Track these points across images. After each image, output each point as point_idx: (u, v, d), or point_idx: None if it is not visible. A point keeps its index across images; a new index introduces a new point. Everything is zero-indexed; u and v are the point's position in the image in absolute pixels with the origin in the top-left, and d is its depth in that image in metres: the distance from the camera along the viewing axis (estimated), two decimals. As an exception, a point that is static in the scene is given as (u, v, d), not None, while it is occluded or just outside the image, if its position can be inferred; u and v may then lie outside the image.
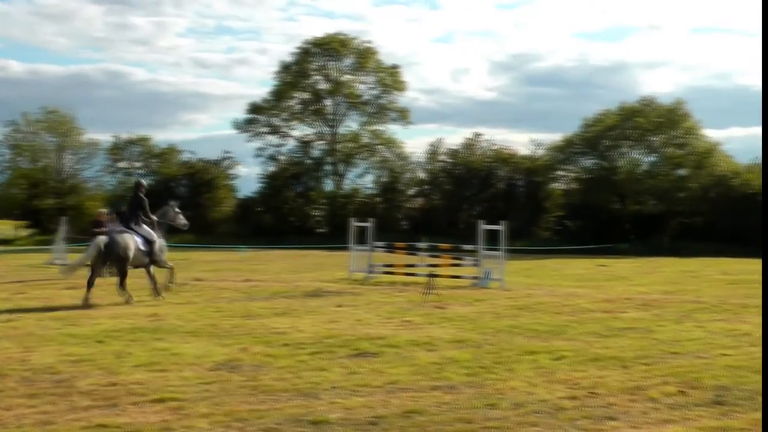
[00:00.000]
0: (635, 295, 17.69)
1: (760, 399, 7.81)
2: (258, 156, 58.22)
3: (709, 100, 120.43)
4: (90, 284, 15.22)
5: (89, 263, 15.69)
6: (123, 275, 15.78)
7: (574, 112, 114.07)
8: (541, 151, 54.93)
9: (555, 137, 62.16)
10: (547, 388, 8.24)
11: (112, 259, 15.88)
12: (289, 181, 56.26)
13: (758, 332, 12.13)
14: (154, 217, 16.99)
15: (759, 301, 16.31)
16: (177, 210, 17.82)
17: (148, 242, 16.41)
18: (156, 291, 16.26)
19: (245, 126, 58.24)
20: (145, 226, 16.61)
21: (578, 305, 15.51)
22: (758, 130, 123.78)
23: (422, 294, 16.78)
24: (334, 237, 45.10)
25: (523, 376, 8.84)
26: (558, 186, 54.92)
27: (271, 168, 57.44)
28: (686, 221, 50.90)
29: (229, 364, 9.34)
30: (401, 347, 10.53)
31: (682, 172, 51.42)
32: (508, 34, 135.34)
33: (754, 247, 43.59)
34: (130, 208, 16.81)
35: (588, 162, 53.09)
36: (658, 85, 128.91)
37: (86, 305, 14.71)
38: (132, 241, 15.99)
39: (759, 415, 7.20)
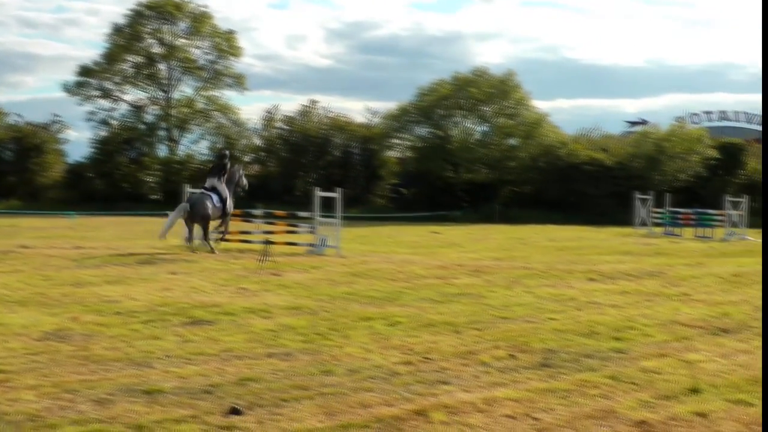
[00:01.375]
0: (467, 262, 18.11)
1: (585, 361, 8.17)
2: (89, 120, 56.24)
3: (538, 72, 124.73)
4: (190, 239, 19.40)
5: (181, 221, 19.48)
6: (206, 229, 19.52)
7: (409, 81, 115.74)
8: (376, 120, 55.44)
9: (390, 106, 62.84)
10: (382, 354, 8.32)
11: (197, 217, 19.45)
12: (122, 147, 54.62)
13: (583, 298, 12.69)
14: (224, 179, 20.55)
15: (583, 267, 17.08)
16: (242, 173, 21.60)
17: (222, 200, 20.14)
18: (219, 239, 20.22)
19: (75, 89, 56.00)
20: (222, 185, 20.33)
21: (412, 272, 15.74)
22: (584, 102, 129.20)
23: (258, 261, 16.62)
24: (168, 204, 44.01)
25: (358, 342, 8.90)
26: (393, 154, 55.59)
27: (103, 133, 55.64)
28: (516, 189, 52.63)
29: (58, 333, 8.96)
30: (237, 315, 10.40)
31: (512, 141, 53.05)
32: (344, 2, 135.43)
33: (578, 214, 45.67)
34: (211, 172, 20.78)
35: (422, 131, 53.95)
36: (490, 56, 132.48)
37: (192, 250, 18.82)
38: (209, 201, 19.77)
39: (584, 375, 7.53)
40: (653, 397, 6.85)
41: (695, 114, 65.60)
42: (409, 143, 54.62)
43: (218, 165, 20.99)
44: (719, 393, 6.95)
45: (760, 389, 7.05)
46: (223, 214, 20.37)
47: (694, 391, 7.02)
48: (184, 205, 19.65)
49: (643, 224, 34.68)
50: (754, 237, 30.40)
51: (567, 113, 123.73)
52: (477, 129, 54.21)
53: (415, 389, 7.01)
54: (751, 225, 33.50)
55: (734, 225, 31.33)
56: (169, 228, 19.50)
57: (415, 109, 53.16)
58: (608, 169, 49.09)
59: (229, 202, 20.47)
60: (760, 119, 65.12)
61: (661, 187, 44.24)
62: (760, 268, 17.33)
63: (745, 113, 66.31)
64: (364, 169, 53.65)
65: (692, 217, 33.01)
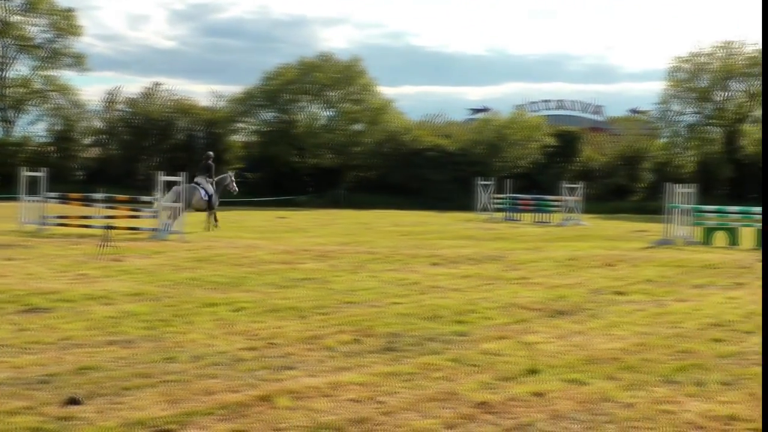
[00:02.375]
0: (313, 247, 18.12)
1: (428, 344, 8.32)
2: None
3: (384, 59, 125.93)
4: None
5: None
6: (180, 213, 21.43)
7: (254, 65, 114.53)
8: (221, 103, 54.50)
9: (236, 89, 61.94)
10: (226, 340, 8.22)
11: (183, 202, 21.73)
12: (-50, 126, 51.50)
13: (427, 282, 12.92)
14: (215, 179, 24.64)
15: (426, 251, 17.38)
16: (232, 178, 25.65)
17: (208, 195, 23.98)
18: (209, 227, 23.33)
19: None
20: (209, 184, 24.22)
21: (258, 257, 15.63)
22: (428, 89, 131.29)
23: (98, 246, 16.08)
24: (2, 187, 41.96)
25: (202, 328, 8.76)
26: (238, 138, 54.87)
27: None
28: (362, 174, 52.95)
29: None
30: (76, 302, 10.03)
31: (357, 127, 53.31)
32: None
33: (421, 199, 46.44)
34: (199, 170, 24.60)
35: (268, 115, 53.48)
36: (337, 41, 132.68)
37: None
38: (197, 193, 23.75)
39: (427, 359, 7.67)
40: (494, 378, 7.05)
41: (534, 102, 67.72)
42: (254, 127, 54.05)
43: (204, 165, 24.74)
44: (556, 373, 7.22)
45: (594, 368, 7.38)
46: (208, 208, 24.01)
47: (533, 371, 7.26)
48: (176, 189, 22.21)
49: (485, 209, 35.61)
50: (589, 222, 31.78)
51: (412, 99, 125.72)
52: (323, 114, 54.22)
53: (260, 375, 6.96)
54: (587, 211, 35.00)
55: (570, 211, 32.58)
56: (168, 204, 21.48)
57: (261, 93, 52.62)
58: (451, 155, 50.07)
59: (215, 199, 24.35)
60: (594, 108, 67.98)
61: (501, 173, 45.50)
62: (594, 252, 18.16)
63: (581, 102, 69.01)
64: (208, 153, 52.70)
65: (531, 202, 34.12)
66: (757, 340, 8.66)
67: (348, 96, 53.01)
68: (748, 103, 51.64)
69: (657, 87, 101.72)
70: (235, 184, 25.74)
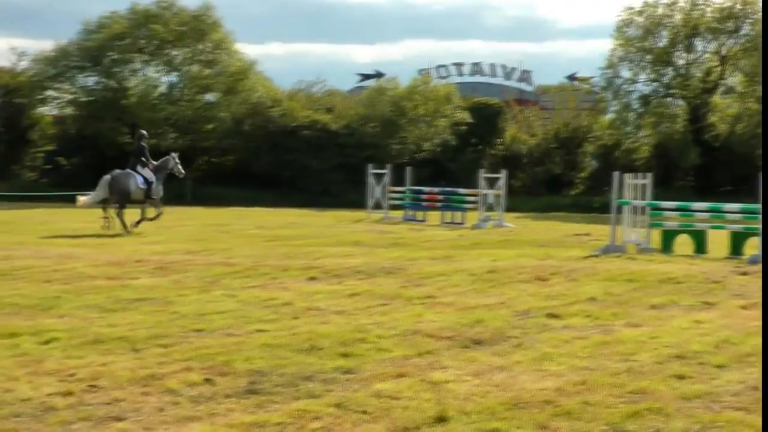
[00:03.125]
0: (149, 257, 17.90)
1: (303, 384, 8.31)
2: None
3: (244, 7, 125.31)
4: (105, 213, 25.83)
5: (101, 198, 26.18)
6: (122, 207, 25.76)
7: (70, 13, 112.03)
8: (24, 64, 53.33)
9: (44, 45, 60.70)
10: (32, 383, 8.07)
11: (116, 194, 25.88)
12: None
13: (302, 302, 12.90)
14: (154, 163, 27.29)
15: (301, 262, 17.36)
16: (177, 161, 27.94)
17: (147, 182, 26.49)
18: (135, 225, 25.81)
19: None
20: (146, 169, 26.71)
21: (75, 270, 15.38)
22: (303, 47, 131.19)
23: None
24: None
25: (-3, 368, 8.58)
26: (48, 111, 53.77)
27: None
28: (215, 161, 52.57)
29: None
30: None
31: (209, 97, 52.91)
32: None
33: (295, 193, 46.38)
34: (134, 154, 27.26)
35: (89, 80, 52.62)
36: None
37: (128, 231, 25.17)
38: (133, 180, 26.27)
39: (299, 404, 7.65)
40: (390, 429, 7.08)
41: (443, 66, 68.43)
42: (70, 97, 53.05)
43: (137, 147, 27.36)
44: (470, 421, 7.29)
45: (520, 415, 7.49)
46: (147, 197, 26.69)
47: (440, 420, 7.31)
48: (106, 179, 26.02)
49: (378, 206, 35.75)
50: (514, 223, 32.26)
51: (281, 61, 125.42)
52: (162, 80, 53.63)
53: (77, 429, 6.86)
54: (511, 208, 35.50)
55: (490, 208, 32.94)
56: (92, 201, 26.72)
57: (79, 50, 51.69)
58: (334, 134, 50.16)
59: (156, 187, 26.84)
60: (521, 74, 69.09)
61: (400, 159, 45.82)
62: (520, 262, 18.43)
63: (503, 66, 69.97)
64: (6, 132, 51.47)
65: (439, 197, 34.40)
66: (732, 376, 8.94)
67: (196, 56, 52.57)
68: (719, 68, 53.27)
69: (601, 47, 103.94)
70: (180, 167, 28.34)
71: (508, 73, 69.54)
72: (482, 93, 59.49)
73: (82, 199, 27.01)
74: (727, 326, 11.64)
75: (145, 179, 26.51)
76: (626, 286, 15.42)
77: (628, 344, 10.42)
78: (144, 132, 28.73)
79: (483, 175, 33.88)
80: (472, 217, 32.21)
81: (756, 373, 9.03)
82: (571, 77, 64.97)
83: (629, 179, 22.94)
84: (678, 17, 53.03)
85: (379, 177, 36.41)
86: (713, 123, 53.11)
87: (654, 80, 54.43)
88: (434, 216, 33.34)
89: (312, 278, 15.43)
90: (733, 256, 20.78)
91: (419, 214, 34.07)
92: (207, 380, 8.36)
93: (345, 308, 12.50)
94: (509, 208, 34.65)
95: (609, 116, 55.98)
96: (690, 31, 52.80)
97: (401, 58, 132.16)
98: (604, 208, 24.14)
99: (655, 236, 22.55)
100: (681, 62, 53.95)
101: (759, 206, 20.85)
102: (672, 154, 51.19)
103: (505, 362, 9.44)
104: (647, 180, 22.96)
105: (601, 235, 24.48)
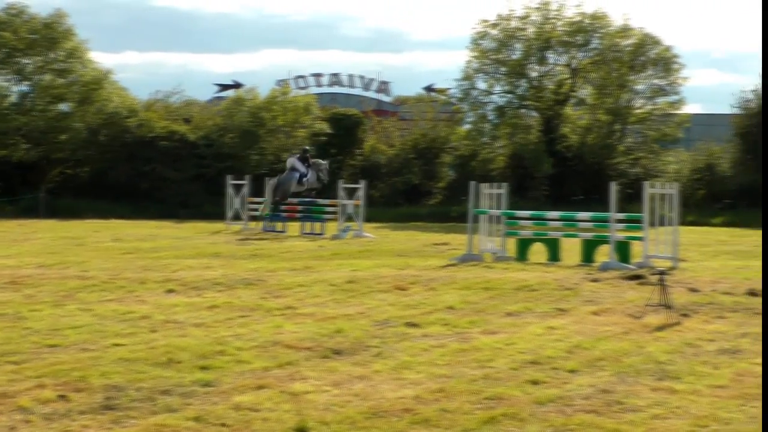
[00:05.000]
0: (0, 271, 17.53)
1: (161, 399, 8.22)
2: None
3: (99, 15, 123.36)
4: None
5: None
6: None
7: None
8: None
9: None
10: None
11: (280, 193, 33.77)
12: None
13: (160, 315, 12.77)
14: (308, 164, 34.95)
15: (159, 275, 17.17)
16: (327, 167, 35.98)
17: (303, 177, 34.33)
18: None
19: None
20: (302, 166, 34.38)
21: None
22: (160, 56, 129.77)
23: None
24: None
25: None
26: None
27: None
28: (69, 172, 51.55)
29: None
30: None
31: (63, 107, 51.86)
32: None
33: (153, 204, 45.82)
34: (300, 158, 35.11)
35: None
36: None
37: None
38: (293, 178, 34.14)
39: (157, 419, 7.58)
40: (249, 441, 7.07)
41: (301, 76, 68.47)
42: None
43: (302, 157, 35.36)
44: (330, 431, 7.33)
45: (380, 424, 7.54)
46: (300, 185, 34.59)
47: (300, 430, 7.34)
48: (272, 182, 33.58)
49: (237, 218, 35.58)
50: (374, 233, 32.44)
51: (138, 71, 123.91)
52: (13, 89, 52.38)
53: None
54: (371, 218, 35.69)
55: (349, 218, 33.09)
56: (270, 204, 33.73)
57: None
58: (192, 145, 49.68)
59: (310, 179, 35.04)
60: (379, 85, 69.55)
61: (260, 169, 45.62)
62: (380, 272, 18.56)
63: (362, 77, 70.37)
64: None
65: (298, 208, 34.40)
66: (584, 380, 9.15)
67: (48, 65, 51.45)
68: (570, 81, 54.47)
69: (457, 59, 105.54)
70: (326, 174, 36.06)
71: (366, 84, 69.90)
72: (341, 104, 59.70)
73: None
74: (579, 332, 11.92)
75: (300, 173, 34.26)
76: (483, 294, 15.68)
77: (484, 351, 10.58)
78: (308, 148, 34.85)
79: (342, 185, 34.01)
80: (332, 227, 32.29)
81: (605, 377, 9.27)
82: (429, 88, 65.62)
83: (486, 189, 23.31)
84: (531, 30, 54.02)
85: (238, 188, 36.24)
86: (565, 134, 54.26)
87: (509, 92, 55.29)
88: (294, 227, 33.32)
89: (170, 291, 15.30)
90: (584, 264, 21.28)
91: (279, 225, 34.00)
92: (61, 397, 8.21)
93: (204, 321, 12.43)
94: (369, 219, 34.82)
95: (465, 127, 56.64)
96: (542, 44, 53.81)
97: (260, 68, 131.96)
98: (462, 218, 24.52)
99: (511, 245, 22.94)
100: (534, 74, 54.93)
101: (609, 214, 21.42)
102: (527, 164, 52.09)
103: (365, 372, 9.50)
104: (503, 190, 23.35)
105: (458, 244, 24.81)
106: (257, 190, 36.41)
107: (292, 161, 35.21)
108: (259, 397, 8.35)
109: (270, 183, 34.38)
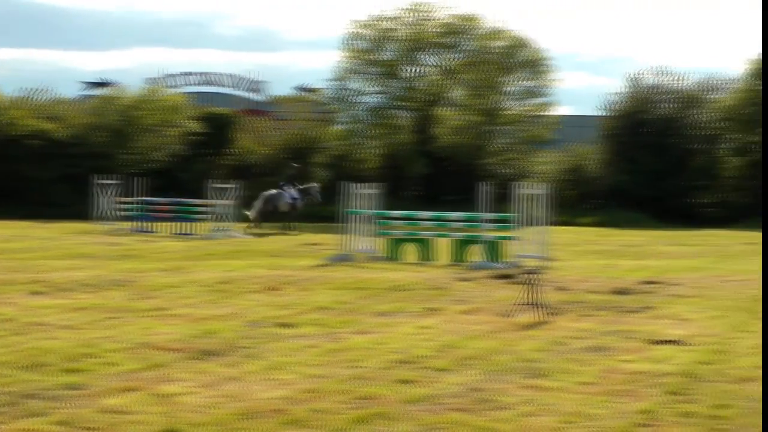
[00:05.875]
0: None
1: (27, 403, 8.08)
2: None
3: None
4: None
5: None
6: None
7: None
8: None
9: None
10: None
11: (270, 205, 35.60)
12: None
13: (27, 317, 12.53)
14: (300, 188, 37.15)
15: (26, 276, 16.86)
16: (318, 190, 37.98)
17: (293, 199, 36.29)
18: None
19: None
20: (293, 190, 36.35)
21: None
22: (26, 53, 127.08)
23: None
24: None
25: None
26: None
27: None
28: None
29: None
30: None
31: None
32: None
33: (19, 204, 44.85)
34: (286, 179, 37.05)
35: None
36: None
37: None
38: (284, 198, 35.85)
39: (25, 423, 7.47)
40: (118, 444, 7.00)
41: (173, 75, 67.63)
42: None
43: (289, 176, 37.37)
44: (201, 433, 7.31)
45: (251, 425, 7.54)
46: (293, 209, 36.20)
47: (170, 432, 7.30)
48: (264, 195, 34.93)
49: (106, 218, 35.06)
50: (246, 233, 32.31)
51: (5, 68, 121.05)
52: None
53: None
54: (247, 218, 35.52)
55: (221, 218, 32.90)
56: (257, 212, 35.26)
57: None
58: (60, 144, 48.76)
59: (299, 204, 36.65)
60: (252, 85, 69.20)
61: (130, 169, 45.02)
62: (252, 272, 18.52)
63: (235, 76, 69.91)
64: None
65: (169, 208, 34.06)
66: (454, 379, 9.27)
67: None
68: (443, 82, 54.97)
69: (331, 58, 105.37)
70: (318, 195, 37.99)
71: (239, 83, 69.41)
72: (214, 103, 59.15)
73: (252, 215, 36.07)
74: (449, 331, 12.07)
75: (293, 197, 36.42)
76: (356, 294, 15.76)
77: (356, 351, 10.64)
78: (295, 164, 37.92)
79: (214, 185, 33.80)
80: (204, 227, 32.08)
81: (475, 375, 9.40)
82: (302, 88, 65.51)
83: (359, 189, 23.40)
84: (403, 31, 54.38)
85: (107, 188, 35.72)
86: (438, 134, 54.75)
87: (382, 92, 55.57)
88: (165, 227, 33.01)
89: (37, 292, 15.03)
90: (456, 263, 21.53)
91: (150, 226, 33.65)
92: None
93: (72, 322, 12.25)
94: (241, 219, 34.68)
95: (339, 127, 56.81)
96: (415, 45, 54.22)
97: (130, 66, 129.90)
98: (335, 218, 24.62)
99: (384, 245, 23.08)
100: (407, 75, 55.33)
101: (480, 215, 21.72)
102: (400, 165, 52.46)
103: (237, 373, 9.48)
104: (376, 190, 23.49)
105: (331, 245, 24.83)
106: (128, 190, 35.94)
107: (276, 193, 36.72)
108: (129, 399, 8.27)
109: (262, 194, 36.21)
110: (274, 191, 36.45)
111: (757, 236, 35.26)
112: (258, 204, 36.02)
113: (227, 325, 12.25)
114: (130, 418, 7.67)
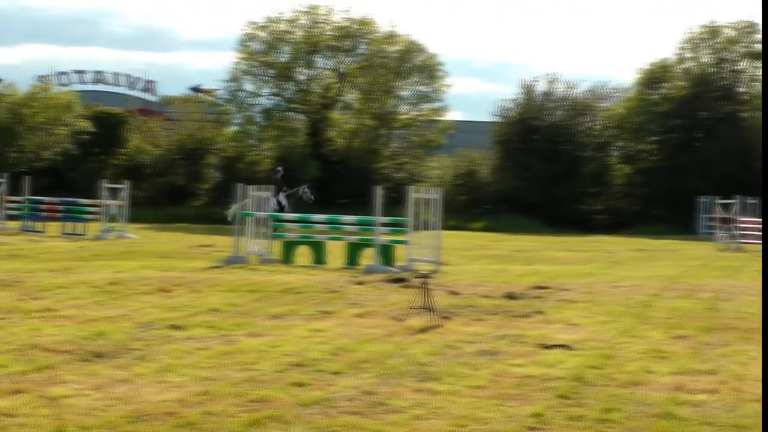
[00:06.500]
0: None
1: None
2: None
3: None
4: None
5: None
6: None
7: None
8: None
9: None
10: None
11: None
12: None
13: None
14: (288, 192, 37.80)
15: None
16: (306, 190, 39.48)
17: (280, 206, 35.58)
18: None
19: None
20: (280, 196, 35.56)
21: None
22: None
23: None
24: None
25: None
26: None
27: None
28: None
29: None
30: None
31: None
32: None
33: None
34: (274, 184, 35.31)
35: None
36: None
37: None
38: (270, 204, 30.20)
39: None
40: (5, 448, 6.87)
41: (64, 73, 66.73)
42: None
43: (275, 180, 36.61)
44: (92, 436, 7.21)
45: (142, 428, 7.44)
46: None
47: (59, 435, 7.18)
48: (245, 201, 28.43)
49: (-3, 217, 34.45)
50: (138, 234, 31.95)
51: None
52: None
53: None
54: (135, 219, 35.12)
55: (113, 218, 32.50)
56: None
57: None
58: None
59: (286, 209, 35.58)
60: (145, 84, 68.47)
61: (18, 167, 44.28)
62: (143, 273, 18.32)
63: (127, 76, 69.18)
64: None
65: (59, 208, 33.57)
66: (347, 382, 9.27)
67: None
68: (337, 85, 55.05)
69: (225, 59, 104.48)
70: (309, 195, 39.37)
71: (132, 83, 68.76)
72: (105, 102, 58.44)
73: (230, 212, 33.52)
74: (343, 334, 12.06)
75: (279, 203, 36.52)
76: (249, 296, 15.69)
77: (249, 354, 10.58)
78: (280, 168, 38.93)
79: (105, 185, 33.40)
80: (94, 227, 31.66)
81: (369, 378, 9.42)
82: (196, 89, 65.04)
83: (252, 191, 23.32)
84: (299, 34, 54.36)
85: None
86: (332, 138, 54.84)
87: (276, 94, 55.52)
88: (54, 227, 32.51)
89: None
90: (349, 267, 21.56)
91: (38, 225, 33.12)
92: None
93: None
94: (132, 219, 34.30)
95: (232, 128, 56.56)
96: (310, 48, 54.25)
97: (19, 63, 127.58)
98: (227, 220, 24.48)
99: (277, 247, 23.03)
100: (302, 78, 55.32)
101: (374, 218, 21.78)
102: (293, 167, 52.36)
103: (127, 375, 9.35)
104: (269, 192, 23.42)
105: (224, 246, 24.71)
106: (15, 189, 35.33)
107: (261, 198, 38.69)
108: (16, 402, 8.10)
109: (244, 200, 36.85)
110: (262, 195, 37.83)
111: (645, 242, 36.10)
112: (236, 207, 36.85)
113: (117, 326, 12.09)
114: (18, 421, 7.52)
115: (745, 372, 10.23)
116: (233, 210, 32.71)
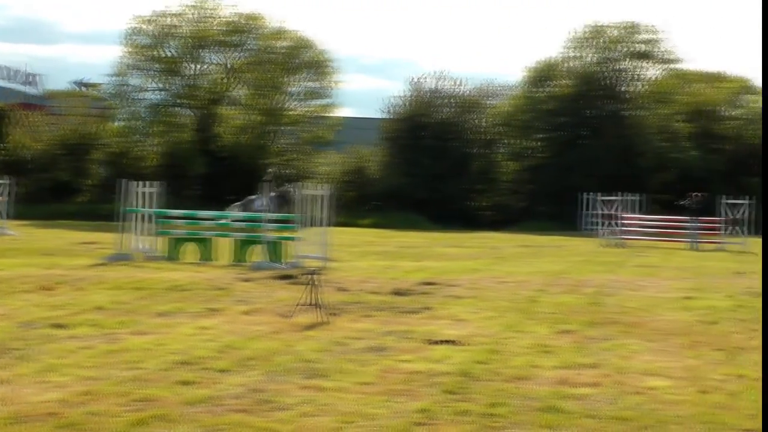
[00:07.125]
0: None
1: None
2: None
3: None
4: None
5: None
6: None
7: None
8: None
9: None
10: None
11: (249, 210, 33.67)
12: None
13: None
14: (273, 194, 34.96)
15: None
16: (293, 192, 32.15)
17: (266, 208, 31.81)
18: None
19: None
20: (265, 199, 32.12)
21: None
22: None
23: None
24: None
25: None
26: None
27: None
28: None
29: None
30: None
31: None
32: None
33: None
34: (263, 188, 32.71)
35: None
36: None
37: None
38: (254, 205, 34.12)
39: None
40: None
41: (-60, 65, 65.24)
42: None
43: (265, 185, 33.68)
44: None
45: (24, 429, 7.31)
46: None
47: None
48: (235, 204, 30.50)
49: None
50: (18, 231, 31.37)
51: None
52: None
53: None
54: (16, 215, 34.53)
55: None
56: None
57: None
58: None
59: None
60: (27, 77, 67.15)
61: None
62: (24, 271, 17.99)
63: (7, 68, 67.81)
64: None
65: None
66: (234, 380, 9.22)
67: None
68: (225, 80, 54.66)
69: (110, 53, 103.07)
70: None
71: (12, 76, 67.38)
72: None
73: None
74: (230, 332, 12.01)
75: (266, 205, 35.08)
76: (134, 294, 15.53)
77: (134, 352, 10.46)
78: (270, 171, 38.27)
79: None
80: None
81: (256, 376, 9.38)
82: (80, 83, 64.08)
83: (138, 187, 23.04)
84: (186, 28, 53.82)
85: None
86: (219, 133, 54.46)
87: (163, 89, 54.91)
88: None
89: None
90: (237, 264, 21.46)
91: None
92: None
93: None
94: (13, 216, 33.68)
95: (118, 123, 55.84)
96: (198, 43, 53.75)
97: None
98: (112, 216, 24.18)
99: (163, 244, 22.81)
100: (189, 72, 54.79)
101: (262, 215, 21.72)
102: (180, 163, 51.91)
103: (7, 375, 9.17)
104: (155, 188, 23.18)
105: (108, 243, 24.36)
106: None
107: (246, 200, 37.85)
108: None
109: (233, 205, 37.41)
110: (252, 197, 37.35)
111: (531, 239, 36.65)
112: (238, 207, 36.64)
113: (-2, 326, 11.87)
114: None
115: (626, 365, 10.47)
116: (234, 212, 33.21)
